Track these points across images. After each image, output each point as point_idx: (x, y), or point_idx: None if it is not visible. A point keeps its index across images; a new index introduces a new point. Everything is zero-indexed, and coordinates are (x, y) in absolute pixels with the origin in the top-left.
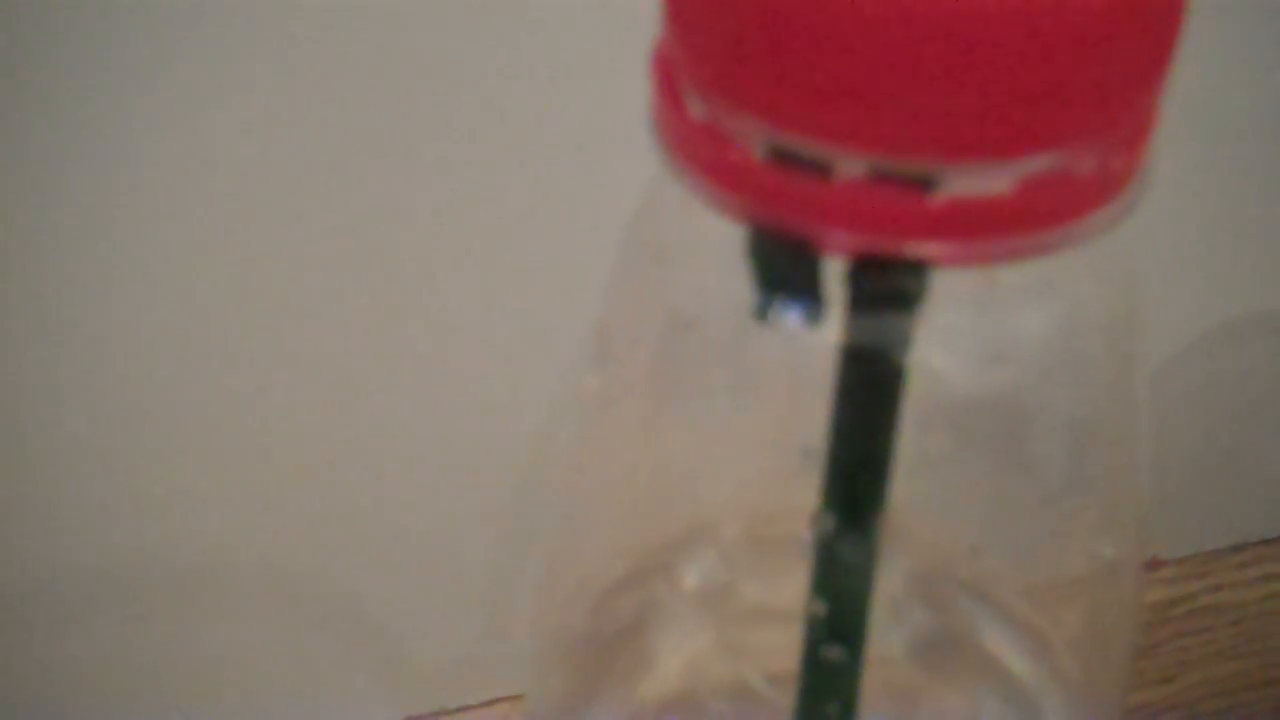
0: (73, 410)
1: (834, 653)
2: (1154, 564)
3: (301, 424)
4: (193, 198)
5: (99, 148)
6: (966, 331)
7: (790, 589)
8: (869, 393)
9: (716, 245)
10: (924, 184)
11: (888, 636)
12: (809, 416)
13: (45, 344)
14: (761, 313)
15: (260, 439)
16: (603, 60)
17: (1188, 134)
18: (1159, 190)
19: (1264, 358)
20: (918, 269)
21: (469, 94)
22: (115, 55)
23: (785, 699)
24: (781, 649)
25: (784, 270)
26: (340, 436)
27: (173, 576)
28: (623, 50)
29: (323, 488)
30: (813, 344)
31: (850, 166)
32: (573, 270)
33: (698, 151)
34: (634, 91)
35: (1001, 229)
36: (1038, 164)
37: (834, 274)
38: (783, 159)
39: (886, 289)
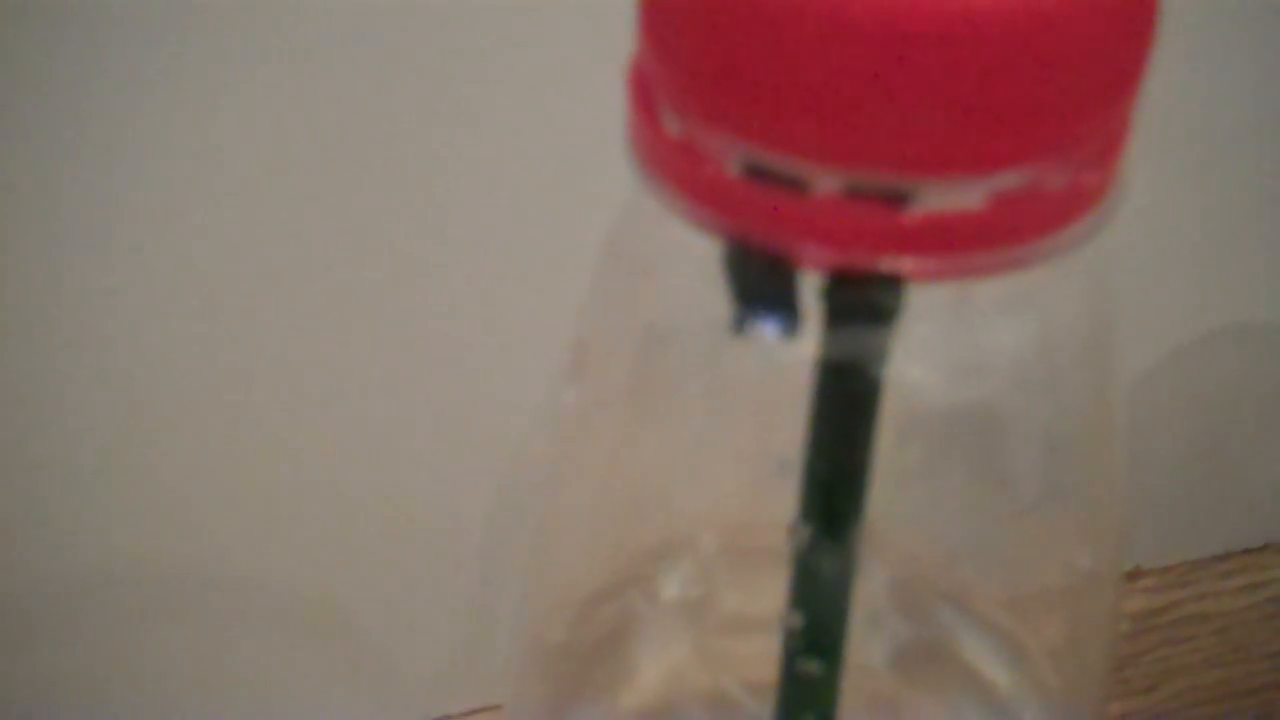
0: (63, 417)
1: (812, 665)
2: (1137, 573)
3: (289, 434)
4: (178, 209)
5: (97, 151)
6: (942, 344)
7: (769, 599)
8: (846, 406)
9: (694, 258)
10: (898, 200)
11: (867, 646)
12: (787, 428)
13: (41, 350)
14: (738, 326)
15: (247, 448)
16: (584, 73)
17: (1172, 144)
18: (1142, 200)
19: (1246, 367)
20: (893, 283)
21: (450, 106)
22: (115, 57)
23: (764, 709)
24: (760, 659)
25: (760, 284)
26: (327, 447)
27: (158, 585)
28: (605, 63)
29: (307, 496)
30: (790, 357)
31: (825, 182)
32: (554, 283)
33: (673, 167)
34: (614, 105)
35: (974, 244)
36: (1010, 180)
37: (810, 288)
38: (758, 175)
39: (862, 303)
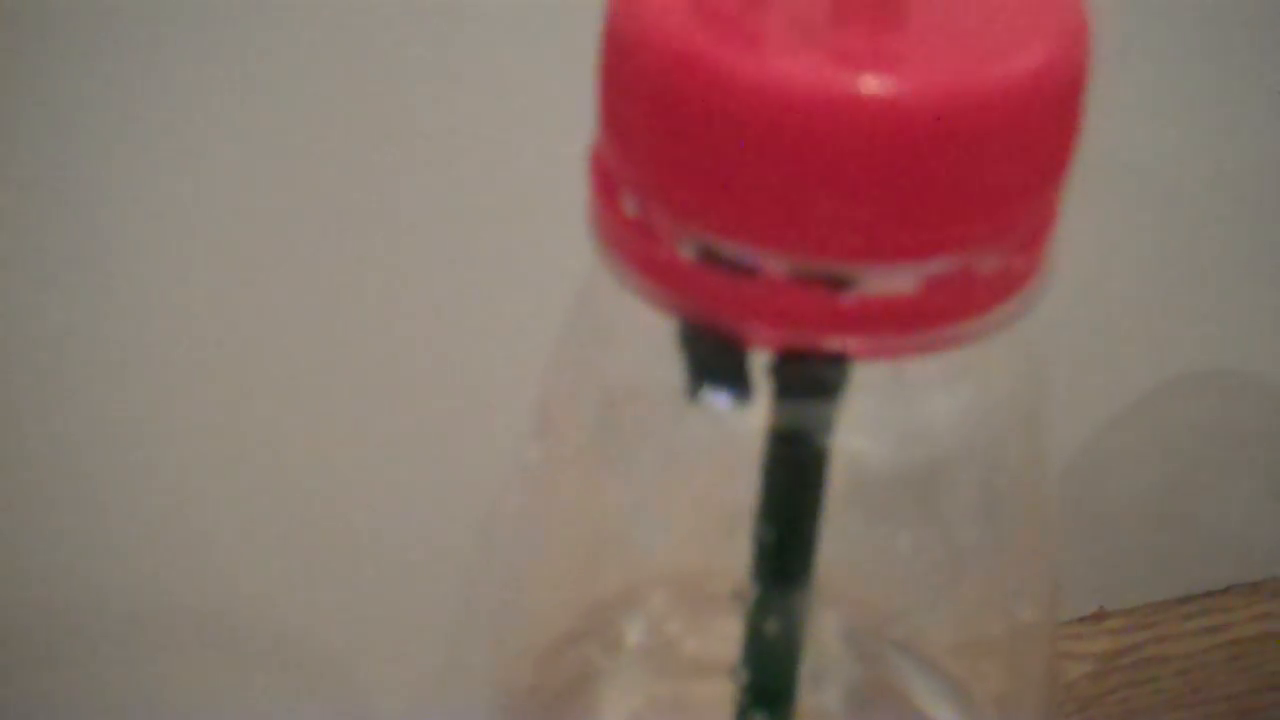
0: (51, 449)
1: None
2: (1101, 614)
3: (268, 475)
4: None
5: (91, 153)
6: (885, 414)
7: (726, 643)
8: (794, 473)
9: (652, 326)
10: (838, 284)
11: (822, 689)
12: (741, 485)
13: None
14: (692, 396)
15: (226, 487)
16: (555, 139)
17: (1135, 198)
18: (1105, 252)
19: (1209, 414)
20: (837, 360)
21: (423, 167)
22: (110, 58)
23: None
24: (718, 701)
25: (712, 360)
26: (303, 487)
27: (134, 618)
28: (576, 128)
29: (284, 534)
30: (741, 425)
31: (772, 268)
32: (529, 328)
33: (631, 248)
34: (581, 174)
35: (910, 325)
36: (941, 265)
37: (760, 363)
38: (710, 259)
39: (808, 378)
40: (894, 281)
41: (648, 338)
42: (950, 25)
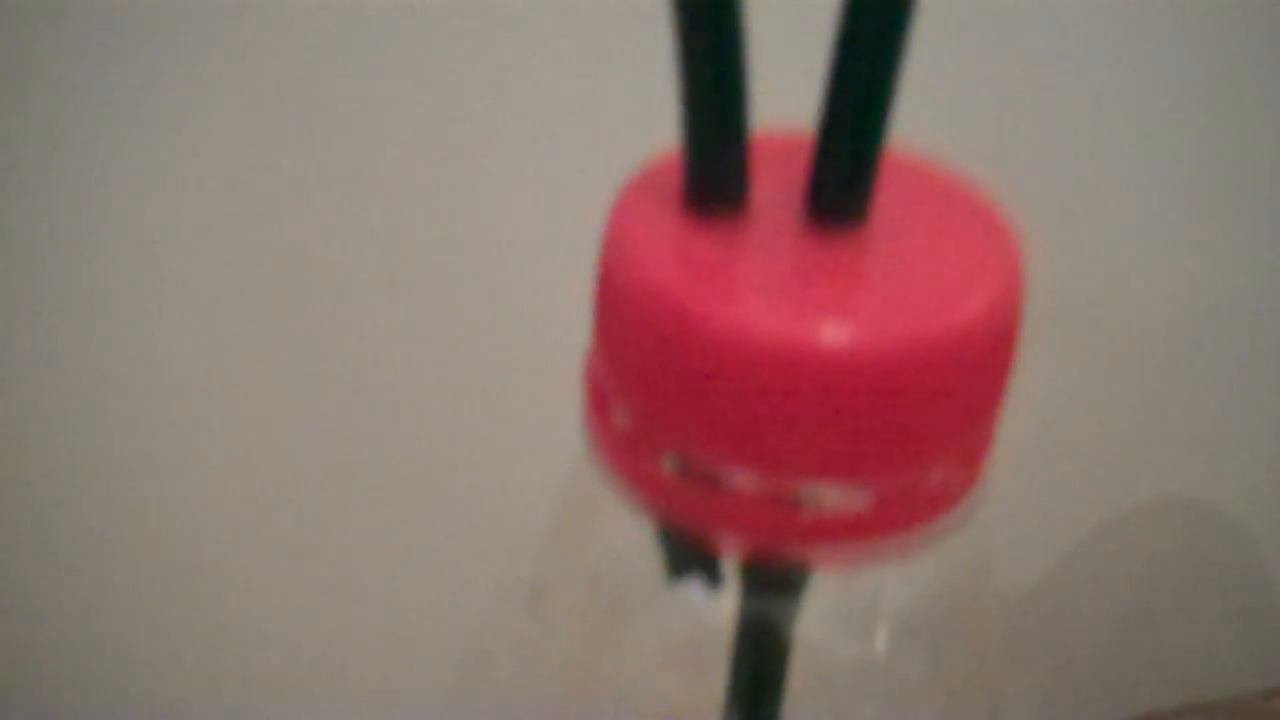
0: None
1: None
2: None
3: (273, 565)
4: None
5: (91, 152)
6: (842, 605)
7: None
8: (761, 660)
9: (636, 511)
10: (798, 500)
11: None
12: (718, 643)
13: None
14: (670, 582)
15: (235, 560)
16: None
17: (1096, 329)
18: (1069, 381)
19: (1167, 539)
20: (798, 565)
21: (438, 339)
22: (108, 57)
23: None
24: None
25: (687, 556)
26: (299, 587)
27: (149, 674)
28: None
29: (282, 637)
30: (714, 609)
31: (740, 484)
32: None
33: (618, 456)
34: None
35: (862, 535)
36: (890, 484)
37: (730, 562)
38: (687, 473)
39: (772, 580)
40: (848, 498)
41: (631, 519)
42: (899, 278)
